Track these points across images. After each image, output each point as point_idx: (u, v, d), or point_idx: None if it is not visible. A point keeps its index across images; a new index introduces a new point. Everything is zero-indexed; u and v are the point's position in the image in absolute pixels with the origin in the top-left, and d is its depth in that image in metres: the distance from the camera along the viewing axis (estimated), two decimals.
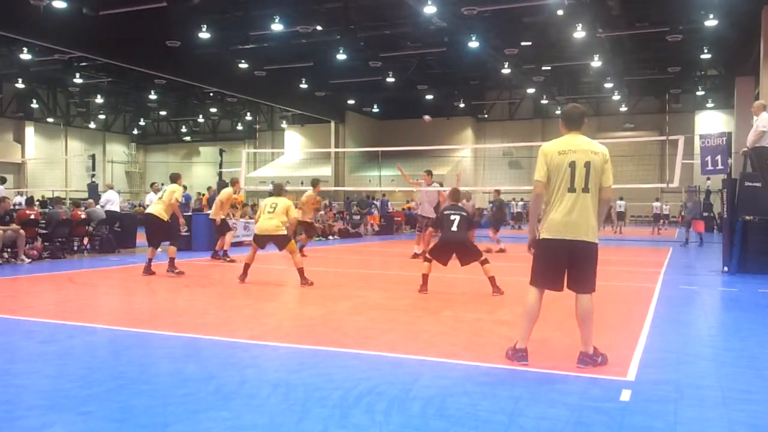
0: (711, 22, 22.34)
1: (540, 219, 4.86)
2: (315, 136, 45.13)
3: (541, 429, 3.53)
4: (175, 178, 11.30)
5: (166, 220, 10.69)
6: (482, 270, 8.74)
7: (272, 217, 9.75)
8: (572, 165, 4.65)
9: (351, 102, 41.36)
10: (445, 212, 8.97)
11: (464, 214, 8.84)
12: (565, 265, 4.71)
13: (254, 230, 10.26)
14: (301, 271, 9.56)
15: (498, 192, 17.29)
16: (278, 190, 10.41)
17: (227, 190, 13.70)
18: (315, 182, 14.54)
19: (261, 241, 9.93)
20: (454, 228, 8.68)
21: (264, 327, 6.39)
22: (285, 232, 9.84)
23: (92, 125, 47.67)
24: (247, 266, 9.87)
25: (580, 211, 4.63)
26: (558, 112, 41.58)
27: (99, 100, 42.54)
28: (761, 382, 4.57)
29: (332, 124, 42.34)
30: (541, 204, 4.85)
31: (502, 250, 15.51)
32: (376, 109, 44.12)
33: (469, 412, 3.76)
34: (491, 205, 16.69)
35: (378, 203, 29.09)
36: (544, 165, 4.72)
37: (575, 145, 4.72)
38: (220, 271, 11.67)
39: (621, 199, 31.18)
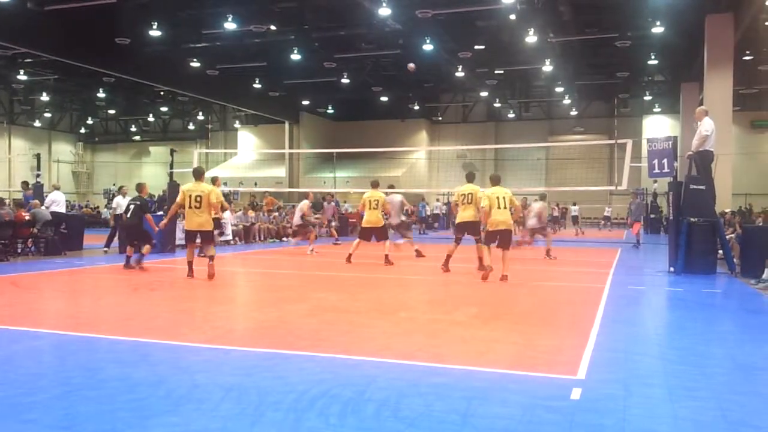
0: (658, 29, 23.06)
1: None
2: (269, 136, 44.73)
3: (494, 428, 3.56)
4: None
5: None
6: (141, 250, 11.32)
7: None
8: (497, 198, 10.42)
9: (305, 103, 41.11)
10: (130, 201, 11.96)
11: (139, 203, 11.69)
12: (496, 238, 10.41)
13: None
14: None
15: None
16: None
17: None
18: (214, 179, 13.74)
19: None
20: (128, 215, 11.62)
21: (216, 330, 6.27)
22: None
23: (37, 124, 46.24)
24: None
25: (503, 216, 10.43)
26: (511, 115, 42.41)
27: (44, 97, 41.29)
28: (705, 379, 4.70)
29: (286, 124, 42.00)
30: (487, 216, 10.48)
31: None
32: (330, 110, 43.98)
33: (423, 413, 3.77)
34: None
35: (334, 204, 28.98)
36: (487, 199, 10.46)
37: (498, 191, 10.57)
38: (171, 274, 11.44)
39: (574, 204, 31.94)
